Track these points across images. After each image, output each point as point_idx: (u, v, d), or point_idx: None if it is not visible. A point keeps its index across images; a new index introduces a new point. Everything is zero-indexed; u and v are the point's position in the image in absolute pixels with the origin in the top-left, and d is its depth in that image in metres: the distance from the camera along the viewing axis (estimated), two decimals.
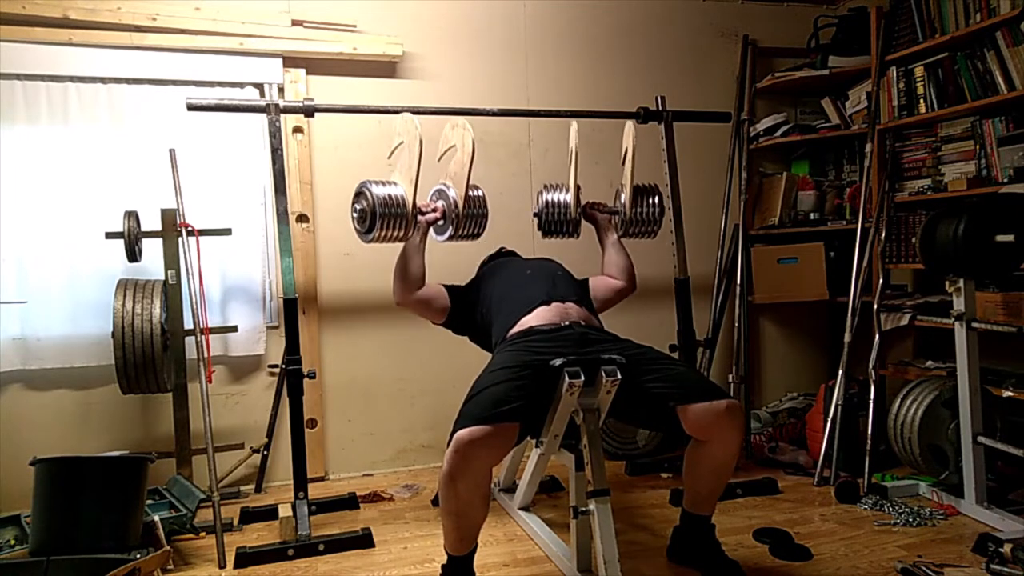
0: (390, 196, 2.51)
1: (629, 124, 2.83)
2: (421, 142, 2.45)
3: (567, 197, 2.76)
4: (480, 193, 2.67)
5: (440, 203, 2.65)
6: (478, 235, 2.72)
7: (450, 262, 2.91)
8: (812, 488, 3.05)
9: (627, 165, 2.81)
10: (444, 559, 2.12)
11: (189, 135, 3.11)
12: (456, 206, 2.58)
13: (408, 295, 2.56)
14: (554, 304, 2.33)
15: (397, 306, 2.61)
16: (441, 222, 2.66)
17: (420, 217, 2.58)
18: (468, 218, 2.62)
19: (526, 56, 3.64)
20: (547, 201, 2.78)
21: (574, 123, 2.76)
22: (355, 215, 2.61)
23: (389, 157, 2.64)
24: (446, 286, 2.64)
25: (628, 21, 3.77)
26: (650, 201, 2.85)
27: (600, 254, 2.83)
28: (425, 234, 2.60)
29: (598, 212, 2.85)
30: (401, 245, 2.59)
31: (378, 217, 2.48)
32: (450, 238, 2.67)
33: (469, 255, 2.95)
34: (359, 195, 2.57)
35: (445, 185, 2.65)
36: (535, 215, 2.81)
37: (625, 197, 2.82)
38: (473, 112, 3.01)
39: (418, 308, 2.61)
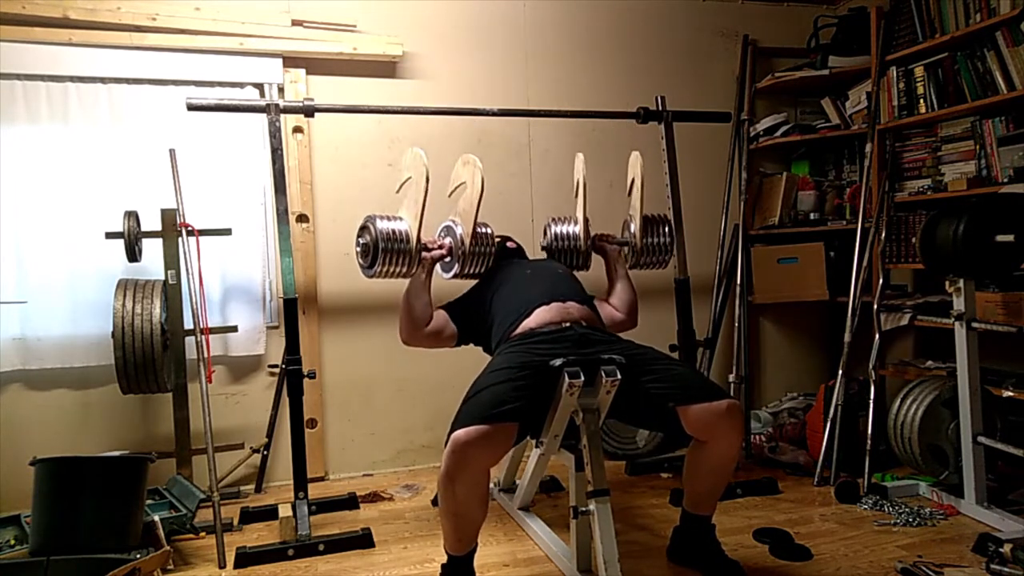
0: (394, 231, 2.46)
1: (635, 154, 2.81)
2: (428, 178, 2.42)
3: (576, 229, 2.74)
4: (488, 231, 2.64)
5: (447, 240, 2.62)
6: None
7: None
8: (812, 488, 3.05)
9: (635, 195, 2.81)
10: (444, 559, 2.13)
11: (189, 135, 3.11)
12: (463, 243, 2.55)
13: (417, 334, 2.50)
14: (554, 304, 2.32)
15: (405, 345, 2.54)
16: (448, 259, 2.62)
17: (425, 254, 2.53)
18: (475, 256, 2.59)
19: (526, 56, 3.64)
20: (556, 234, 2.76)
21: (580, 156, 2.73)
22: (359, 249, 2.57)
23: (397, 191, 2.62)
24: (446, 308, 2.58)
25: (628, 21, 3.77)
26: (660, 230, 2.86)
27: (607, 285, 2.80)
28: (430, 271, 2.56)
29: (607, 244, 2.82)
30: (405, 281, 2.54)
31: (380, 252, 2.44)
32: (455, 276, 2.64)
33: None
34: (363, 229, 2.53)
35: (453, 222, 2.63)
36: (543, 248, 2.79)
37: (635, 227, 2.82)
38: (473, 112, 3.02)
39: (428, 343, 2.55)
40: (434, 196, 2.47)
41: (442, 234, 2.68)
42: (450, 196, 2.66)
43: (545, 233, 2.80)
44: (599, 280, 2.85)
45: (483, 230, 2.62)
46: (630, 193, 2.85)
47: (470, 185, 2.54)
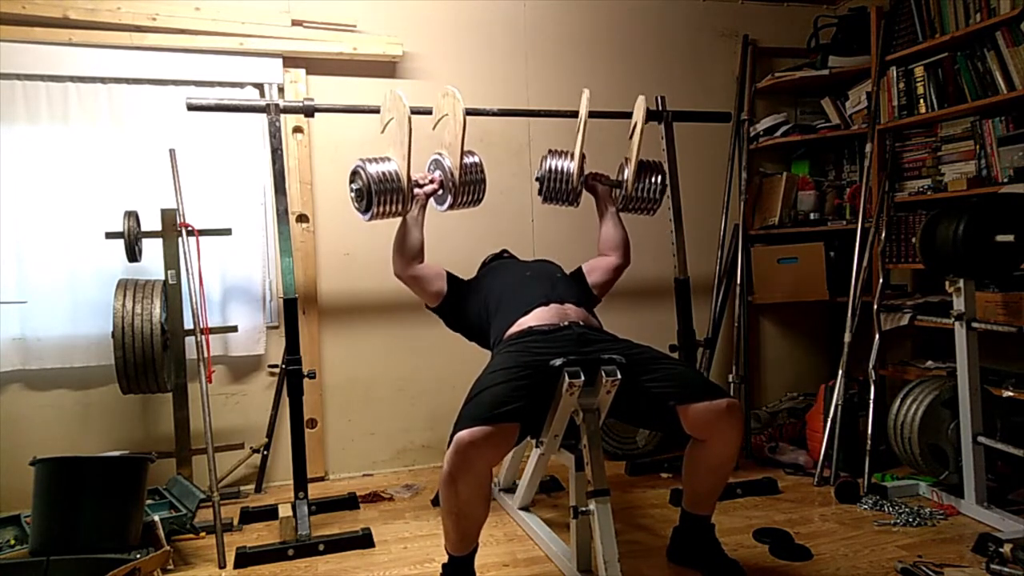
0: (384, 173, 2.47)
1: (641, 98, 2.77)
2: (410, 119, 2.42)
3: (571, 165, 2.72)
4: (476, 159, 2.64)
5: (437, 174, 2.63)
6: (479, 201, 2.69)
7: (454, 259, 2.91)
8: (812, 488, 3.05)
9: (634, 138, 2.76)
10: (444, 559, 2.13)
11: (189, 135, 3.11)
12: (452, 175, 2.56)
13: (406, 268, 2.56)
14: (553, 305, 2.32)
15: (396, 277, 2.59)
16: (440, 192, 2.64)
17: (417, 190, 2.56)
18: (466, 185, 2.60)
19: (526, 56, 3.64)
20: (551, 167, 2.74)
21: (586, 91, 2.70)
22: (352, 195, 2.57)
23: (382, 131, 2.63)
24: (448, 273, 2.63)
25: (628, 21, 3.77)
26: (654, 179, 2.82)
27: (597, 225, 2.81)
28: (424, 206, 2.59)
29: (600, 184, 2.82)
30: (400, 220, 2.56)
31: (374, 195, 2.45)
32: (451, 207, 2.65)
33: (471, 252, 2.95)
34: (355, 174, 2.54)
35: (440, 155, 2.62)
36: (537, 179, 2.76)
37: (629, 171, 2.78)
38: (473, 112, 2.99)
39: (414, 284, 2.59)
40: (418, 131, 2.45)
41: (431, 167, 2.68)
42: (434, 129, 2.65)
43: (541, 165, 2.76)
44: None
45: (470, 159, 2.62)
46: (631, 137, 2.81)
47: (452, 117, 2.53)
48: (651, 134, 3.16)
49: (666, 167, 3.12)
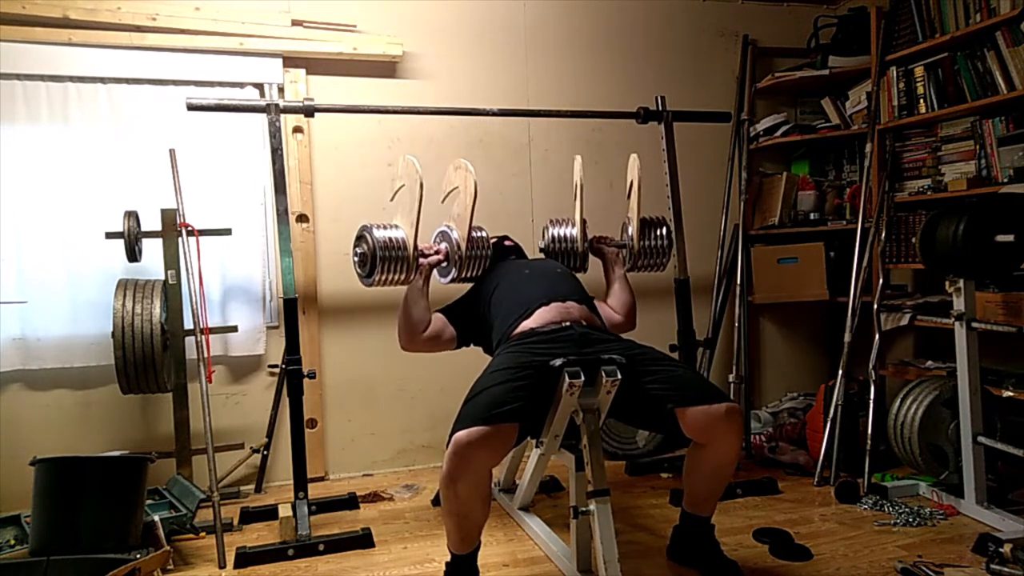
0: (391, 239, 2.48)
1: (633, 157, 2.83)
2: (422, 184, 2.42)
3: (574, 231, 2.76)
4: (483, 234, 2.65)
5: (443, 245, 2.63)
6: (480, 275, 2.70)
7: None
8: (812, 488, 3.05)
9: (633, 198, 2.81)
10: (444, 558, 2.13)
11: (189, 135, 3.11)
12: (459, 248, 2.56)
13: (416, 339, 2.50)
14: (554, 304, 2.32)
15: (404, 351, 2.54)
16: (444, 264, 2.64)
17: (422, 260, 2.54)
18: (471, 260, 2.60)
19: (526, 56, 3.64)
20: (554, 236, 2.78)
21: (578, 158, 2.75)
22: (356, 259, 2.58)
23: (392, 199, 2.64)
24: (443, 312, 2.59)
25: (628, 21, 3.77)
26: (658, 233, 2.86)
27: (605, 287, 2.82)
28: (428, 277, 2.57)
29: (605, 246, 2.84)
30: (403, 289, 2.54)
31: (379, 261, 2.46)
32: (453, 280, 2.65)
33: None
34: (360, 239, 2.55)
35: (448, 227, 2.63)
36: (541, 250, 2.80)
37: (632, 230, 2.83)
38: (473, 112, 3.01)
39: (427, 347, 2.55)
40: (428, 202, 2.47)
41: (437, 239, 2.68)
42: (443, 202, 2.67)
43: (543, 235, 2.82)
44: (597, 282, 2.85)
45: (478, 234, 2.63)
46: (629, 196, 2.85)
47: (463, 190, 2.55)
48: (651, 133, 3.18)
49: (666, 169, 3.12)
